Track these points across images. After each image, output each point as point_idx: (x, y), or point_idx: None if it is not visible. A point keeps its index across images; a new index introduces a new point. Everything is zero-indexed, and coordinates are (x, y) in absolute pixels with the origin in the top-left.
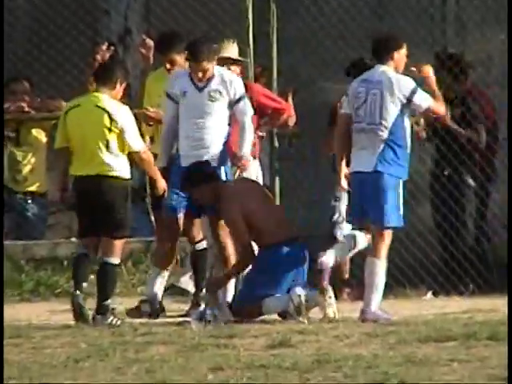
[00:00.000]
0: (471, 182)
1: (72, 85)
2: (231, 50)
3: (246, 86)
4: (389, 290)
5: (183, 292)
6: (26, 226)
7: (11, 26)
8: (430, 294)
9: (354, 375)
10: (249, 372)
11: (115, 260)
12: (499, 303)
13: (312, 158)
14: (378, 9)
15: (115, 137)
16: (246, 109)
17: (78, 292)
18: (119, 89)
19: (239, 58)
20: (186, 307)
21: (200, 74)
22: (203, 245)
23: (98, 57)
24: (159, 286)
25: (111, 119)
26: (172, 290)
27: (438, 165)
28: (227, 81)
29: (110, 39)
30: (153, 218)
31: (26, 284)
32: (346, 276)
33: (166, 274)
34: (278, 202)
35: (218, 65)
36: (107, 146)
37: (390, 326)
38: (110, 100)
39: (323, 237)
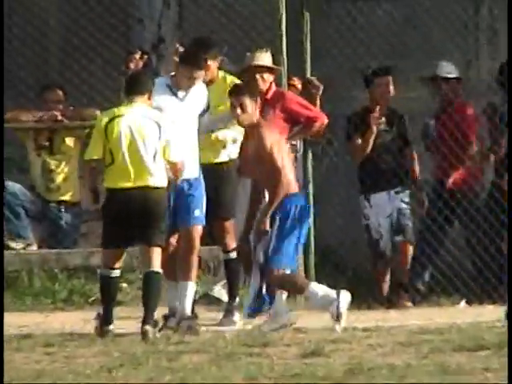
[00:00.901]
0: None
1: (104, 94)
2: (265, 58)
3: (279, 93)
4: (422, 299)
5: (217, 301)
6: (60, 235)
7: (44, 35)
8: (463, 303)
9: None
10: (282, 381)
11: (158, 269)
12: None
13: (345, 166)
14: (412, 16)
15: (162, 147)
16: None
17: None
18: (152, 99)
19: (273, 66)
20: (219, 316)
21: (196, 81)
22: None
23: (132, 65)
24: (175, 297)
25: (160, 129)
26: (205, 298)
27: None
28: (199, 90)
29: (143, 48)
30: None
31: (60, 293)
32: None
33: (174, 283)
34: (311, 210)
35: (251, 73)
36: (154, 157)
37: (424, 335)
38: (152, 110)
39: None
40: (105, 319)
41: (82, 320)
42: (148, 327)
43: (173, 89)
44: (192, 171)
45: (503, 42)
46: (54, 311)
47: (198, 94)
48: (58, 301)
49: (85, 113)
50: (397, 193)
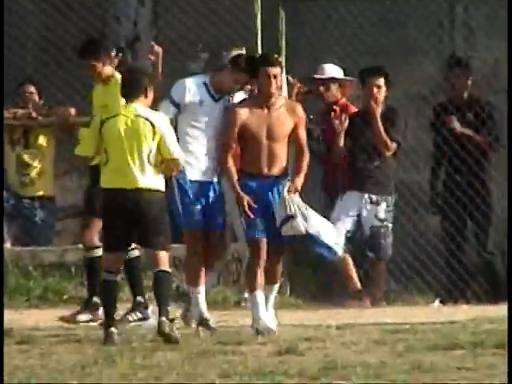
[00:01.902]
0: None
1: (80, 91)
2: None
3: None
4: (397, 297)
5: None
6: (34, 232)
7: (20, 31)
8: (437, 302)
9: (361, 383)
10: (256, 379)
11: (167, 268)
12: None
13: (318, 168)
14: (387, 15)
15: (156, 146)
16: None
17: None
18: (151, 96)
19: None
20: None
21: (238, 86)
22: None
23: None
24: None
25: (153, 127)
26: (176, 295)
27: (449, 174)
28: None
29: (118, 45)
30: None
31: (34, 290)
32: (357, 286)
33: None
34: None
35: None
36: (149, 156)
37: (398, 334)
38: (145, 108)
39: None
40: (107, 323)
41: (57, 317)
42: (163, 318)
43: (209, 88)
44: (212, 173)
45: (479, 40)
46: (29, 308)
47: (235, 96)
48: (33, 298)
49: (60, 111)
50: (372, 201)
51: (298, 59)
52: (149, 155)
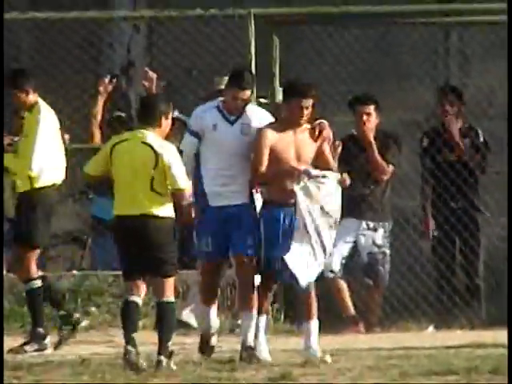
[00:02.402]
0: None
1: (74, 117)
2: None
3: None
4: (391, 323)
5: (185, 325)
6: None
7: (14, 59)
8: (431, 328)
9: None
10: None
11: (172, 298)
12: (501, 336)
13: None
14: (381, 42)
15: (159, 174)
16: None
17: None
18: (166, 123)
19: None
20: (188, 340)
21: (240, 103)
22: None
23: (101, 89)
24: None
25: (157, 155)
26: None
27: (440, 197)
28: (257, 115)
29: (112, 71)
30: None
31: (29, 316)
32: (352, 312)
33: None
34: None
35: (215, 97)
36: (152, 184)
37: (392, 360)
38: (155, 137)
39: None
40: (125, 344)
41: (51, 343)
42: (162, 358)
43: (222, 111)
44: (241, 196)
45: (474, 67)
46: (23, 335)
47: (254, 120)
48: (27, 324)
49: None
50: (369, 228)
51: None
52: (152, 182)
